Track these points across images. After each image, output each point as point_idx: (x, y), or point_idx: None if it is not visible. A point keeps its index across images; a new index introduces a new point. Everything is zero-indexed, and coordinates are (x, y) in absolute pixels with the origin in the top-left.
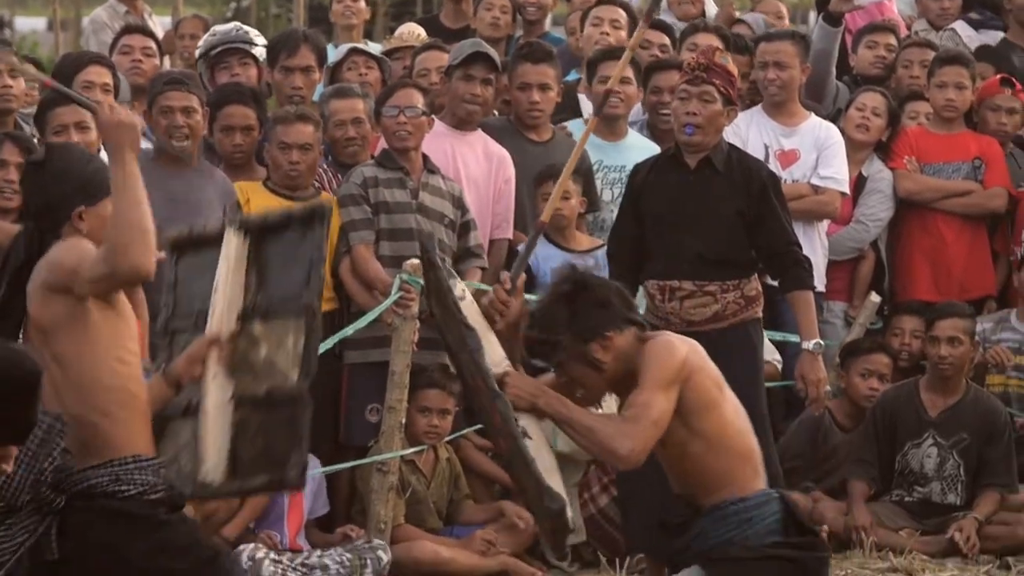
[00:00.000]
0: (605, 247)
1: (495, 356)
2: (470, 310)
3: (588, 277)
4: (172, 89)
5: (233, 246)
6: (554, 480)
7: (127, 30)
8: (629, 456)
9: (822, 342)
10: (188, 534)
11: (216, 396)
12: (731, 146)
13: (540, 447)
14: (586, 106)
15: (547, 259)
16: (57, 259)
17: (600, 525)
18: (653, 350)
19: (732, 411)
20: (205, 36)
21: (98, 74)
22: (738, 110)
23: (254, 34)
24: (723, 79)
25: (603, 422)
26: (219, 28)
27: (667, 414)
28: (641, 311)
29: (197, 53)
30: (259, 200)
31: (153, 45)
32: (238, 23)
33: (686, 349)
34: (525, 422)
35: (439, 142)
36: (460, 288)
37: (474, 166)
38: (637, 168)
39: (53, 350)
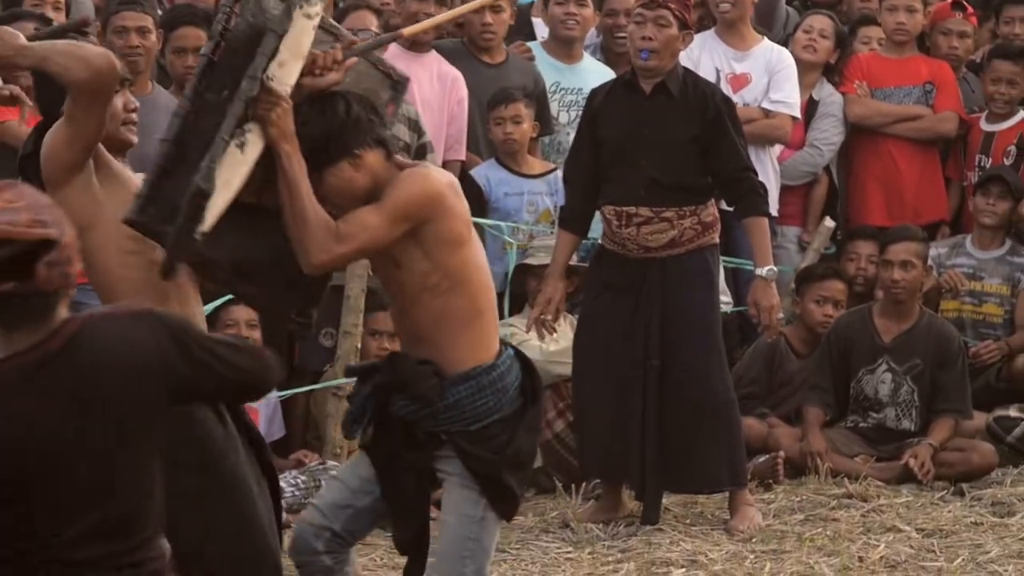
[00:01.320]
0: (559, 170)
1: (285, 80)
2: (297, 34)
3: (341, 93)
4: (127, 9)
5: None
6: (222, 194)
7: None
8: (315, 267)
9: (775, 268)
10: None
11: None
12: (686, 71)
13: (237, 165)
14: (540, 29)
15: (499, 183)
16: (45, 150)
17: (556, 451)
18: (407, 178)
19: (478, 254)
20: None
21: None
22: (693, 35)
23: None
24: (678, 3)
25: (318, 222)
26: None
27: (379, 244)
28: (599, 235)
29: None
30: None
31: None
32: None
33: (442, 185)
34: (252, 140)
35: (393, 63)
36: (317, 10)
37: (427, 88)
38: (594, 92)
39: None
